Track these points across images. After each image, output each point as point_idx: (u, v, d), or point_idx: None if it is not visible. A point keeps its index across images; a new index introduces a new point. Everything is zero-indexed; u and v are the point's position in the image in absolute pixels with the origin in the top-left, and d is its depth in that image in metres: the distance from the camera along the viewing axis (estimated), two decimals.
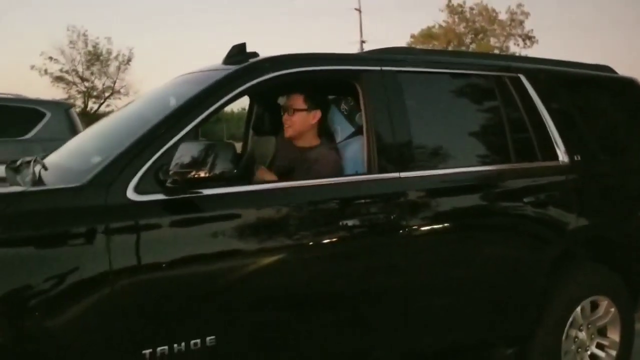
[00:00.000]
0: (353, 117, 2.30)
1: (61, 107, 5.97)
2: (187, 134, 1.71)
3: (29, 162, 2.10)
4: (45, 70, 22.55)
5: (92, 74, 23.90)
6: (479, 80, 2.42)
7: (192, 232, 1.69)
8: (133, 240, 1.58)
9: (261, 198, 1.85)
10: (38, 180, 1.71)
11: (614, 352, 2.62)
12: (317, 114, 2.29)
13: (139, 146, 1.67)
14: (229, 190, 1.76)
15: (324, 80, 2.28)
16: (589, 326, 2.58)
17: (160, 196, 1.64)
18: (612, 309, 2.60)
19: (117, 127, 2.16)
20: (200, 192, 1.69)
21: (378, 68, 2.10)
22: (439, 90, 2.33)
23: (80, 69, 23.50)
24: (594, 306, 2.58)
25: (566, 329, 2.46)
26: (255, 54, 2.07)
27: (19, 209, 1.53)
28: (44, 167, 1.81)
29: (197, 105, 1.78)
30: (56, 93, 22.14)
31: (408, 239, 2.01)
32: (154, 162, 1.64)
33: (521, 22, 27.02)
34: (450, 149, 2.27)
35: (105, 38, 23.54)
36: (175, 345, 1.61)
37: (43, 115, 5.65)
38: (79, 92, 23.69)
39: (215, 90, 1.83)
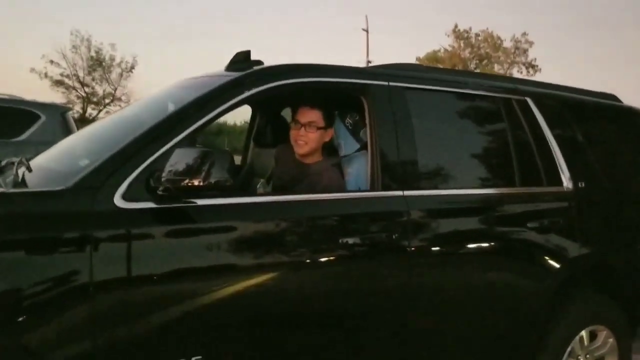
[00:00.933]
0: (357, 132, 2.24)
1: (57, 110, 5.91)
2: (181, 140, 1.63)
3: (13, 163, 2.02)
4: (46, 74, 22.57)
5: (93, 79, 23.91)
6: (486, 101, 2.38)
7: (182, 245, 1.60)
8: (118, 251, 1.48)
9: (259, 211, 1.77)
10: (20, 182, 1.63)
11: None
12: (331, 132, 2.23)
13: (130, 151, 1.59)
14: (225, 201, 1.68)
15: (330, 93, 2.22)
16: (587, 356, 2.51)
17: (150, 204, 1.55)
18: (611, 339, 2.56)
19: (109, 130, 2.08)
20: (194, 202, 1.60)
21: (385, 83, 2.05)
22: (445, 109, 2.28)
23: (81, 74, 23.53)
24: (593, 336, 2.53)
25: (564, 358, 2.40)
26: (259, 62, 2.02)
27: None
28: (28, 169, 1.72)
29: (194, 111, 1.71)
30: (55, 97, 22.11)
31: (409, 259, 1.94)
32: (145, 168, 1.56)
33: (525, 51, 27.53)
34: (455, 169, 2.22)
35: (109, 44, 23.59)
36: None
37: (38, 117, 5.58)
38: (79, 97, 23.69)
39: (215, 96, 1.76)
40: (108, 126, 2.19)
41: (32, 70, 22.46)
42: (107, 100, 24.18)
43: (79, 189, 1.50)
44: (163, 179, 1.53)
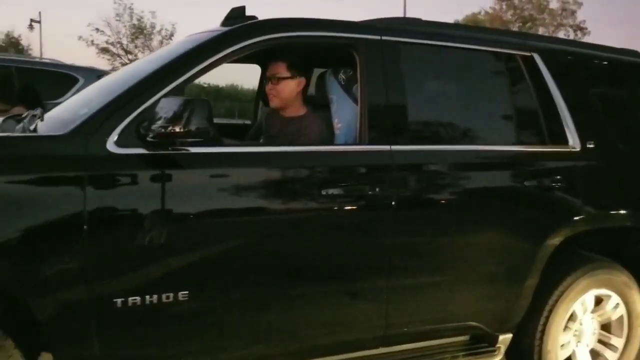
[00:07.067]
0: (350, 88, 2.25)
1: (94, 74, 6.16)
2: (170, 91, 1.72)
3: (34, 115, 2.18)
4: (92, 42, 23.39)
5: (135, 47, 24.62)
6: (487, 57, 2.31)
7: (170, 188, 1.69)
8: (110, 191, 1.61)
9: (247, 160, 1.84)
10: (33, 130, 1.77)
11: (617, 351, 2.52)
12: (302, 82, 2.26)
13: (121, 100, 1.70)
14: (213, 150, 1.77)
15: (321, 47, 2.24)
16: (592, 320, 2.48)
17: (140, 150, 1.66)
18: (619, 305, 2.49)
19: (111, 82, 2.19)
20: (183, 150, 1.70)
21: (378, 37, 2.04)
22: (440, 65, 2.25)
23: (124, 41, 24.24)
24: (598, 300, 2.47)
25: (565, 320, 2.38)
26: (253, 17, 2.05)
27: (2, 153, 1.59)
28: (41, 118, 1.87)
29: (183, 63, 1.79)
30: (101, 64, 22.92)
31: (393, 213, 1.97)
32: (135, 117, 1.66)
33: (573, 12, 25.97)
34: (446, 126, 2.21)
35: (149, 12, 24.12)
36: (147, 296, 1.65)
37: (76, 80, 5.87)
38: (123, 65, 24.42)
39: (203, 49, 1.83)
40: (112, 79, 2.31)
41: (80, 38, 23.37)
42: None
43: (75, 134, 1.63)
44: (152, 127, 1.63)
